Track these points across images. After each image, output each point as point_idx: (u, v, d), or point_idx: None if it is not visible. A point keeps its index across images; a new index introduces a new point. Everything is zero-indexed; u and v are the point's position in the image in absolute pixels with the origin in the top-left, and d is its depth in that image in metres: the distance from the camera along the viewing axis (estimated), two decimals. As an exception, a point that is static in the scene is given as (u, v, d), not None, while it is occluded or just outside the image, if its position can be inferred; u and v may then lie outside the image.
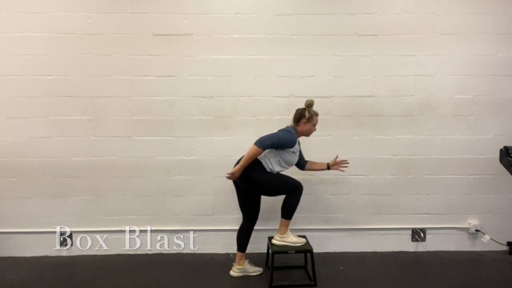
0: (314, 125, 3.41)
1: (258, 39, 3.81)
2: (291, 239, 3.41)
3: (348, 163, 3.60)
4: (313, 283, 3.36)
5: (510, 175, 3.26)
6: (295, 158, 3.40)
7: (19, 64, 3.75)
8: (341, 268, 3.68)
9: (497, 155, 3.40)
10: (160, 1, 3.76)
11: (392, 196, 3.99)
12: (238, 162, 3.33)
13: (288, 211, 3.36)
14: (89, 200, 3.92)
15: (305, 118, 3.35)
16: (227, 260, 3.76)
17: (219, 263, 3.75)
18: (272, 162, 3.31)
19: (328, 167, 3.61)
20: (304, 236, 3.58)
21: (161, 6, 3.76)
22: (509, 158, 3.19)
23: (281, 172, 3.39)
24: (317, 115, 3.41)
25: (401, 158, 3.96)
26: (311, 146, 3.87)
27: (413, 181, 3.98)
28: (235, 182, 3.40)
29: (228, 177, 3.26)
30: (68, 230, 3.92)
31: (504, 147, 3.27)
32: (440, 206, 4.01)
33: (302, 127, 3.38)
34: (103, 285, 3.38)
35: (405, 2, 3.81)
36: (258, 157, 3.28)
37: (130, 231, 3.95)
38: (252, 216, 3.46)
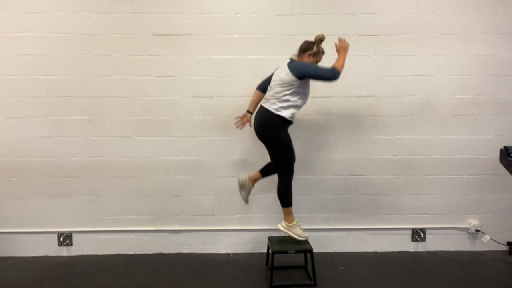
0: (317, 62, 3.34)
1: (258, 39, 3.81)
2: (297, 231, 3.38)
3: (241, 126, 3.55)
4: (313, 283, 3.36)
5: (510, 175, 3.26)
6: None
7: (19, 64, 3.75)
8: (341, 268, 3.68)
9: (497, 155, 3.40)
10: (160, 1, 3.76)
11: (392, 196, 3.99)
12: (256, 117, 3.37)
13: (283, 198, 3.35)
14: (89, 200, 3.92)
15: (311, 51, 3.28)
16: (227, 260, 3.76)
17: (219, 263, 3.75)
18: (289, 109, 3.27)
19: (249, 112, 3.55)
20: (304, 236, 3.59)
21: (161, 6, 3.76)
22: (509, 158, 3.19)
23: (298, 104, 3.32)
24: (323, 52, 3.34)
25: (401, 158, 3.96)
26: (311, 146, 3.87)
27: (413, 181, 3.98)
28: (260, 138, 3.37)
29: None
30: (68, 230, 3.93)
31: (504, 147, 3.27)
32: (440, 206, 4.01)
33: (305, 59, 3.31)
34: (103, 285, 3.38)
35: (405, 2, 3.81)
36: (278, 113, 3.23)
37: (130, 231, 3.95)
38: (286, 169, 3.35)
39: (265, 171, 3.53)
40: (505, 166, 3.28)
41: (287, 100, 3.25)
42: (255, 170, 3.57)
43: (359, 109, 3.90)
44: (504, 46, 3.85)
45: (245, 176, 3.52)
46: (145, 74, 3.82)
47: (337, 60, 3.27)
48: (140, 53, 3.79)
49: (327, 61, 3.84)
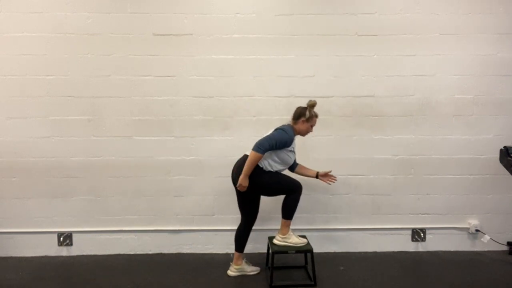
0: (312, 126, 3.41)
1: (258, 39, 3.81)
2: (293, 240, 3.41)
3: (336, 179, 3.60)
4: (313, 283, 3.36)
5: (510, 175, 3.27)
6: (292, 157, 3.40)
7: (19, 64, 3.75)
8: (341, 268, 3.68)
9: (497, 155, 3.41)
10: (160, 1, 3.76)
11: (392, 196, 3.99)
12: (236, 164, 3.34)
13: (288, 212, 3.37)
14: (89, 200, 3.92)
15: (304, 117, 3.35)
16: (227, 260, 3.75)
17: (219, 263, 3.74)
18: (269, 162, 3.31)
19: (317, 175, 3.59)
20: (304, 236, 3.59)
21: (161, 6, 3.76)
22: (509, 158, 3.19)
23: (279, 172, 3.39)
24: (316, 116, 3.41)
25: (401, 158, 3.96)
26: (311, 146, 3.88)
27: (413, 181, 3.98)
28: (234, 183, 3.41)
29: (240, 189, 3.28)
30: (68, 230, 3.93)
31: (504, 147, 3.27)
32: (440, 206, 4.01)
33: (300, 125, 3.37)
34: (103, 285, 3.38)
35: (405, 2, 3.81)
36: (260, 165, 3.28)
37: (130, 231, 3.95)
38: (250, 217, 3.45)
39: (241, 245, 3.49)
40: (505, 166, 3.28)
41: (268, 162, 3.30)
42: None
43: (359, 109, 3.90)
44: (504, 46, 3.85)
45: (231, 269, 3.51)
46: (145, 74, 3.82)
47: (248, 168, 3.22)
48: (140, 53, 3.79)
49: (325, 61, 3.86)
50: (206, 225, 3.98)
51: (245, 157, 3.32)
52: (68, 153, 3.86)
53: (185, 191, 3.94)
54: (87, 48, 3.77)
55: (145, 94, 3.83)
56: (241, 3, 3.79)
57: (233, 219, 3.91)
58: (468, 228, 4.01)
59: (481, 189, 3.99)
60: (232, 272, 3.50)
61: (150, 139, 3.88)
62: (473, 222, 4.00)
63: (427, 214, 4.01)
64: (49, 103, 3.80)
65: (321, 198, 3.97)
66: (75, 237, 3.93)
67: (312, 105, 3.37)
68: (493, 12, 3.81)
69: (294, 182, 3.36)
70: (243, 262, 3.53)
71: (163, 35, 3.79)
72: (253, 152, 3.19)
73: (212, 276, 3.51)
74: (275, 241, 3.44)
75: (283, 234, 3.41)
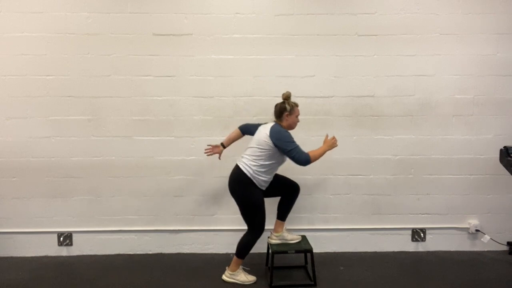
0: (297, 116, 3.34)
1: (258, 39, 3.81)
2: (241, 278, 3.39)
3: (211, 153, 3.59)
4: (313, 283, 3.36)
5: (510, 175, 3.27)
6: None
7: (19, 64, 3.75)
8: (341, 268, 3.68)
9: (497, 155, 3.41)
10: (160, 1, 3.76)
11: (392, 196, 3.99)
12: (231, 177, 3.31)
13: (242, 250, 3.33)
14: (89, 200, 3.92)
15: (287, 111, 3.27)
16: (227, 260, 3.75)
17: (219, 263, 3.74)
18: (256, 169, 3.23)
19: (223, 146, 3.61)
20: (304, 236, 3.59)
21: (161, 6, 3.77)
22: (509, 158, 3.19)
23: (272, 170, 3.29)
24: (297, 105, 3.33)
25: (401, 158, 3.96)
26: (311, 146, 3.87)
27: (413, 181, 3.98)
28: (232, 194, 3.35)
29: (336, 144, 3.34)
30: (68, 230, 3.93)
31: (504, 147, 3.27)
32: (440, 206, 4.01)
33: (286, 121, 3.30)
34: (103, 285, 3.38)
35: (405, 2, 3.81)
36: (250, 176, 3.21)
37: (130, 231, 3.95)
38: (255, 227, 3.32)
39: (283, 214, 3.50)
40: (505, 166, 3.29)
41: (262, 166, 3.22)
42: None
43: (359, 109, 3.90)
44: (504, 46, 3.85)
45: (272, 237, 3.52)
46: (145, 74, 3.82)
47: (319, 148, 3.27)
48: (140, 53, 3.79)
49: (325, 61, 3.85)
50: (206, 225, 3.98)
51: (237, 168, 3.28)
52: (68, 153, 3.86)
53: (185, 191, 3.95)
54: (87, 48, 3.77)
55: (145, 94, 3.83)
56: (241, 3, 3.79)
57: (233, 219, 3.91)
58: (468, 228, 4.01)
59: (481, 189, 3.99)
60: (226, 277, 3.42)
61: (150, 139, 3.88)
62: (473, 222, 4.00)
63: (427, 214, 4.01)
64: (49, 103, 3.80)
65: (321, 198, 3.97)
66: (75, 237, 3.93)
67: (287, 97, 3.31)
68: (493, 12, 3.81)
69: (263, 221, 3.31)
70: (239, 267, 3.43)
71: (163, 35, 3.79)
72: (310, 162, 3.19)
73: (212, 276, 3.51)
74: (223, 276, 3.42)
75: (232, 271, 3.39)
